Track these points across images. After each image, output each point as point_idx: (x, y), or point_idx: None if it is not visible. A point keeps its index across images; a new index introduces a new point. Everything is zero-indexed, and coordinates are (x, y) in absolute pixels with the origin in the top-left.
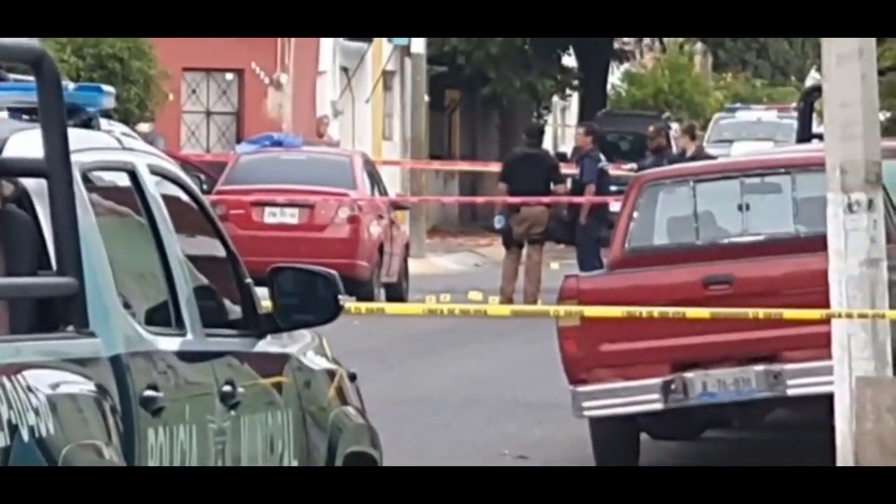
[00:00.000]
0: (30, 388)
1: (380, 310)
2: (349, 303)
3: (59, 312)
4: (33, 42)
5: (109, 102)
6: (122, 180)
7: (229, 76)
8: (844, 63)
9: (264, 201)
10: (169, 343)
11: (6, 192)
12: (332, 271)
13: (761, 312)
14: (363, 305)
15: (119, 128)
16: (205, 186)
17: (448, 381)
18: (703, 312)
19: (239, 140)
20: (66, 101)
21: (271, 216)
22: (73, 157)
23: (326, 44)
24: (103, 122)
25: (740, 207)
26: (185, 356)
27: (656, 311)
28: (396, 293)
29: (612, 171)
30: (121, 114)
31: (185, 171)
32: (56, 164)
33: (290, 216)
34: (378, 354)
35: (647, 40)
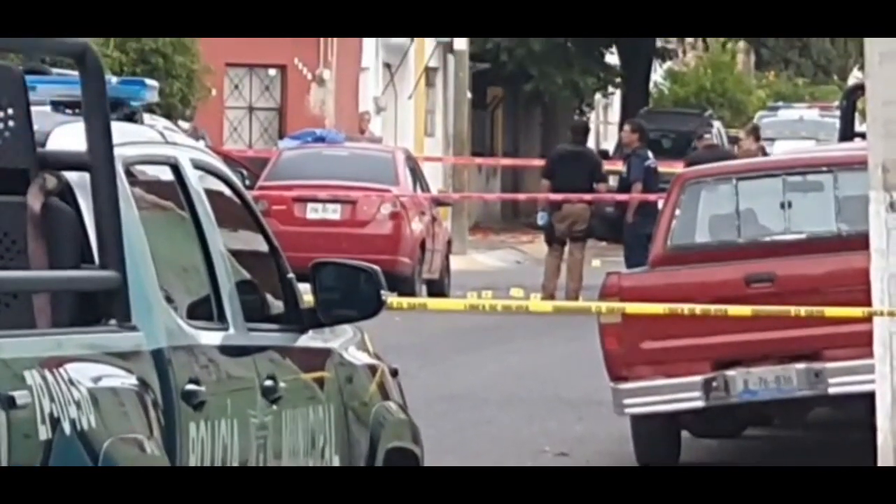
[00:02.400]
0: (72, 382)
1: (422, 305)
2: (391, 298)
3: (101, 306)
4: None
5: (153, 96)
6: (165, 174)
7: (272, 72)
8: (887, 61)
9: (306, 197)
10: (211, 337)
11: (49, 185)
12: (375, 266)
13: (803, 310)
14: (405, 301)
15: (161, 122)
16: (247, 182)
17: (489, 378)
18: (744, 310)
19: (281, 136)
20: (109, 95)
21: (313, 212)
22: (116, 151)
23: (369, 40)
24: (146, 117)
25: (782, 205)
26: (227, 350)
27: (698, 308)
28: (438, 289)
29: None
30: (164, 109)
31: (231, 167)
32: (99, 158)
33: (333, 212)
34: (420, 350)
35: (689, 39)
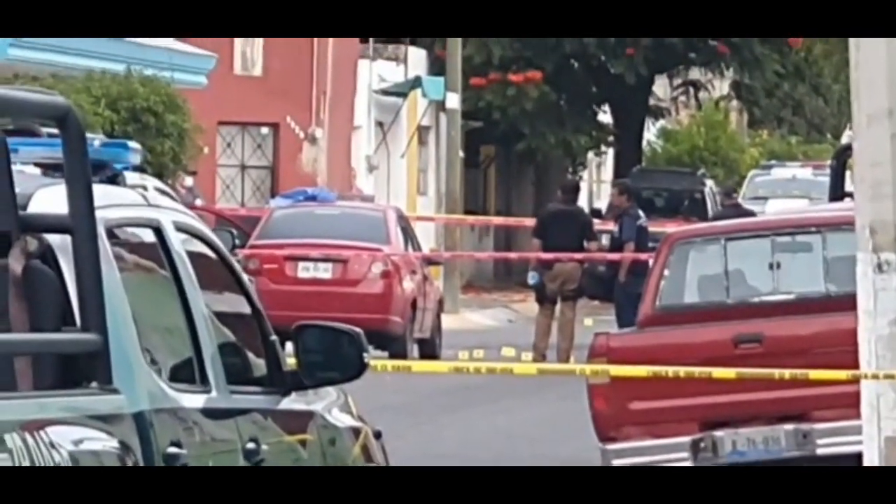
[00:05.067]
0: (52, 445)
1: (406, 367)
2: (374, 360)
3: (82, 368)
4: (58, 98)
5: (135, 159)
6: (148, 236)
7: (264, 130)
8: (874, 123)
9: (298, 256)
10: (193, 400)
11: (31, 247)
12: (358, 329)
13: (787, 373)
14: (389, 363)
15: (152, 182)
16: (237, 241)
17: (478, 438)
18: (728, 372)
19: (273, 194)
20: (92, 157)
21: (305, 271)
22: (98, 214)
23: (362, 98)
24: (136, 176)
25: (771, 266)
26: (210, 413)
27: (682, 370)
28: (429, 349)
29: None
30: (155, 167)
31: (219, 225)
32: (80, 220)
33: (324, 271)
34: (409, 410)
35: (682, 97)
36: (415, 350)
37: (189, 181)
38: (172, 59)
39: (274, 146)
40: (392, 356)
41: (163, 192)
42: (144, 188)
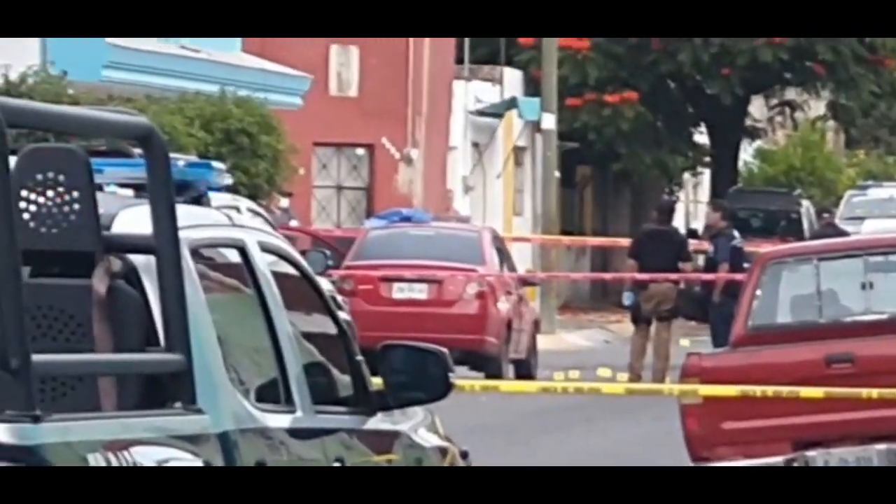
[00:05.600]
0: (135, 465)
1: (494, 388)
2: (462, 380)
3: (166, 389)
4: (141, 119)
5: (220, 179)
6: (232, 257)
7: (360, 151)
8: None
9: (392, 276)
10: (278, 420)
11: (114, 268)
12: (444, 349)
13: (875, 392)
14: (477, 383)
15: (245, 203)
16: (330, 262)
17: (573, 458)
18: (817, 392)
19: (369, 215)
20: (177, 178)
21: (399, 291)
22: (182, 234)
23: (457, 119)
24: (228, 197)
25: (863, 286)
26: (295, 433)
27: (770, 390)
28: (525, 369)
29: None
30: (250, 189)
31: (314, 246)
32: (164, 241)
33: (419, 292)
34: (504, 431)
35: (778, 118)
36: (510, 371)
37: (284, 202)
38: (267, 81)
39: (370, 167)
40: (487, 377)
41: (256, 213)
42: (237, 209)
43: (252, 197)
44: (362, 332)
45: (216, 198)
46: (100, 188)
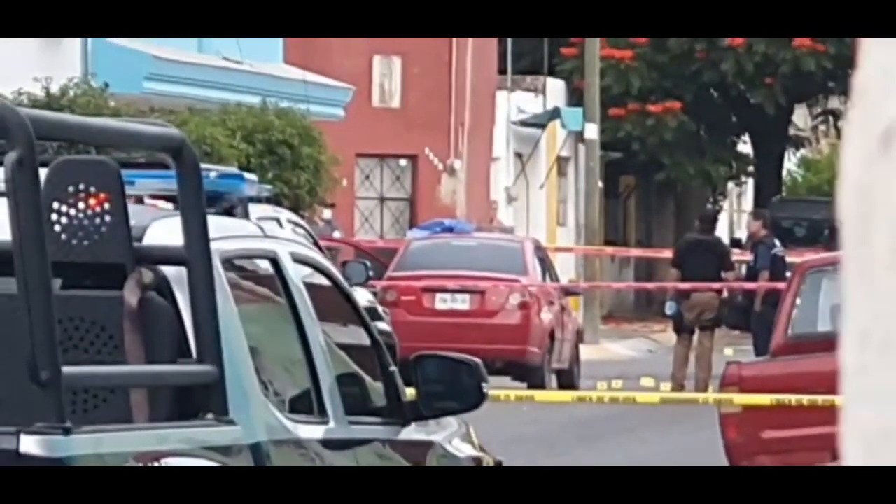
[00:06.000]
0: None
1: (529, 398)
2: (498, 390)
3: (198, 400)
4: (172, 130)
5: (251, 190)
6: (264, 268)
7: (403, 162)
8: None
9: (435, 287)
10: (311, 431)
11: (146, 279)
12: (477, 359)
13: None
14: (512, 393)
15: (285, 214)
16: (371, 273)
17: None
18: None
19: (412, 226)
20: (209, 189)
21: (442, 302)
22: (214, 245)
23: (500, 130)
24: (268, 208)
25: None
26: (328, 444)
27: (805, 399)
28: (568, 379)
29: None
30: (291, 200)
31: (357, 257)
32: (196, 252)
33: (461, 302)
34: (545, 441)
35: (822, 126)
36: (553, 381)
37: (328, 213)
38: (309, 92)
39: (412, 178)
40: (530, 387)
41: (296, 225)
42: (277, 220)
43: (294, 208)
44: (404, 342)
45: (256, 209)
46: (140, 200)
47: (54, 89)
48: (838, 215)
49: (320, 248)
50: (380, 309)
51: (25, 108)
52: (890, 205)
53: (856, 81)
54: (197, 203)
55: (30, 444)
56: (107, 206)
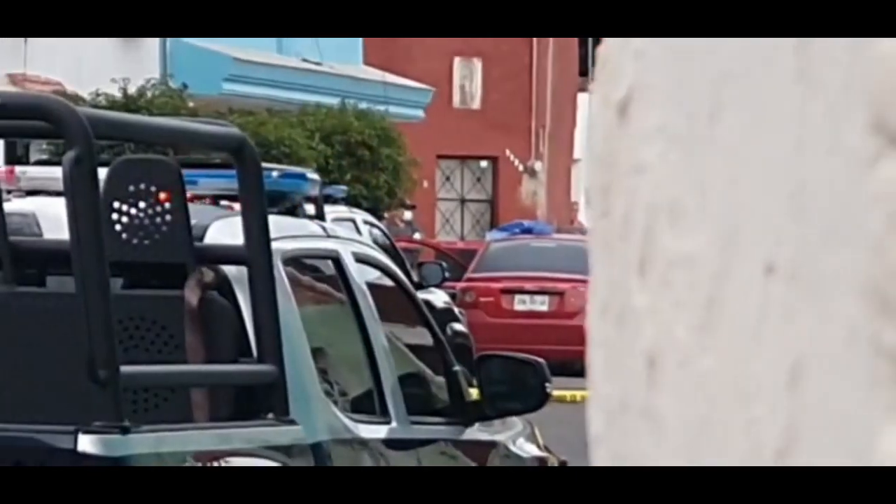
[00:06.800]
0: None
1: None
2: (563, 391)
3: (259, 400)
4: (233, 130)
5: (314, 189)
6: (326, 268)
7: (484, 164)
8: None
9: (514, 288)
10: (372, 430)
11: (207, 279)
12: (540, 359)
13: None
14: (578, 393)
15: (361, 215)
16: (447, 274)
17: None
18: None
19: (492, 227)
20: (271, 189)
21: (521, 303)
22: (276, 245)
23: (581, 131)
24: (344, 209)
25: None
26: (389, 444)
27: None
28: None
29: None
30: (370, 201)
31: (436, 259)
32: (256, 252)
33: (540, 304)
34: None
35: None
36: None
37: (408, 215)
38: (388, 93)
39: (493, 179)
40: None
41: (372, 225)
42: (353, 221)
43: (373, 210)
44: (483, 344)
45: (331, 210)
46: (216, 202)
47: (132, 90)
48: (585, 188)
49: (396, 249)
50: (456, 310)
51: (102, 108)
52: (625, 174)
53: (598, 52)
54: (258, 202)
55: (88, 444)
56: (168, 205)
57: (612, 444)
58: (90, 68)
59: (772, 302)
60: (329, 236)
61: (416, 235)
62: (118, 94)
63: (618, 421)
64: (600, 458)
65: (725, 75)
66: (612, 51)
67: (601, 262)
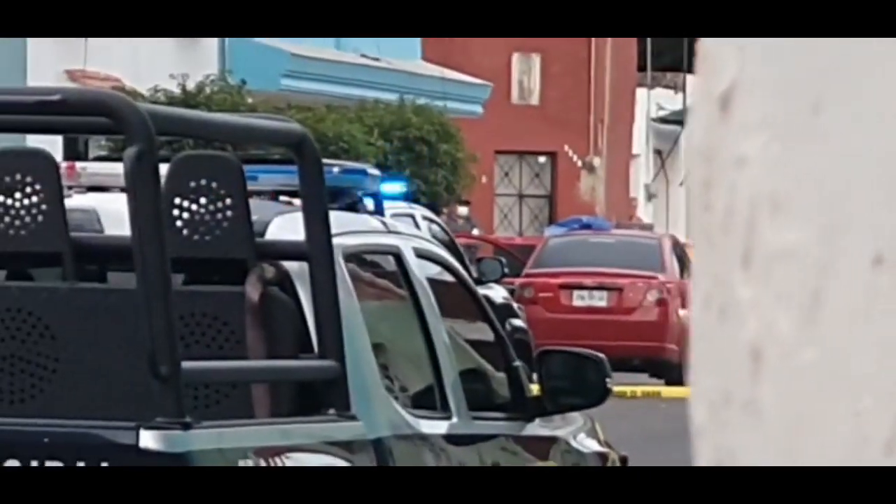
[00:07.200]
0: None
1: (655, 393)
2: (623, 386)
3: (320, 395)
4: (294, 125)
5: (374, 185)
6: (387, 263)
7: (542, 159)
8: None
9: (572, 284)
10: (434, 426)
11: (268, 275)
12: (601, 354)
13: None
14: (639, 389)
15: (420, 210)
16: (506, 270)
17: None
18: None
19: (551, 222)
20: (332, 184)
21: (580, 299)
22: (336, 240)
23: (640, 127)
24: (403, 205)
25: None
26: (451, 439)
27: None
28: None
29: None
30: (429, 196)
31: (495, 254)
32: (317, 248)
33: (599, 299)
34: (684, 438)
35: None
36: None
37: (464, 210)
38: (447, 89)
39: (552, 175)
40: (668, 384)
41: (431, 221)
42: (412, 217)
43: (431, 205)
44: (542, 339)
45: (391, 206)
46: (275, 198)
47: (190, 86)
48: (686, 182)
49: (455, 245)
50: (515, 306)
51: (161, 105)
52: (726, 167)
53: (698, 47)
54: (319, 198)
55: (149, 439)
56: (228, 201)
57: (715, 437)
58: (148, 64)
59: (879, 293)
60: (390, 232)
61: (475, 231)
62: (177, 91)
63: (720, 413)
64: (702, 450)
65: (829, 68)
66: (714, 44)
67: (703, 255)
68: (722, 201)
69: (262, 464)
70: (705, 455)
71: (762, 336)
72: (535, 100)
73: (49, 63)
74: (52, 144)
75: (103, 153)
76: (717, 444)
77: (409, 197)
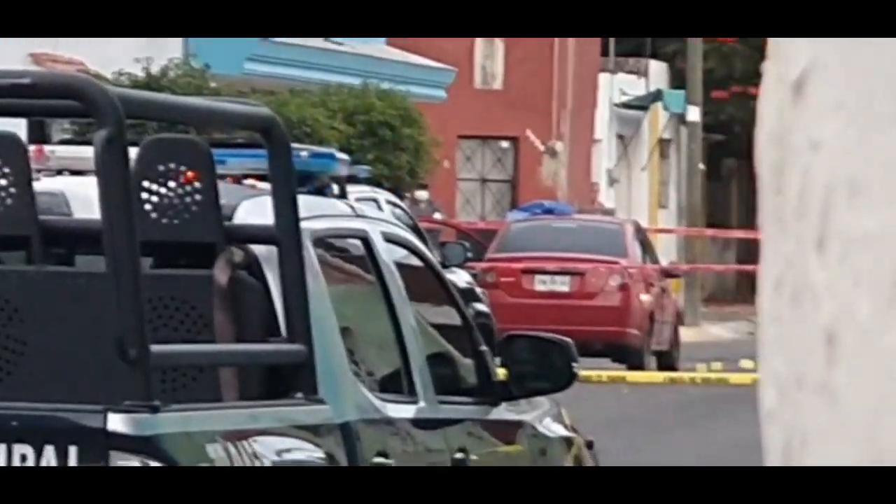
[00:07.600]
0: (256, 455)
1: (620, 378)
2: (588, 371)
3: (287, 379)
4: (262, 109)
5: (343, 169)
6: (355, 247)
7: (504, 144)
8: None
9: (535, 269)
10: (400, 410)
11: (236, 258)
12: (567, 339)
13: None
14: (604, 374)
15: (384, 195)
16: (469, 254)
17: (717, 451)
18: None
19: (513, 207)
20: (300, 169)
21: (541, 284)
22: (305, 224)
23: (603, 112)
24: (367, 189)
25: None
26: (417, 423)
27: None
28: (668, 361)
29: None
30: (392, 181)
31: (458, 239)
32: (286, 231)
33: (561, 284)
34: (648, 423)
35: None
36: (653, 362)
37: (423, 194)
38: (410, 73)
39: (514, 160)
40: (630, 369)
41: (395, 205)
42: (375, 201)
43: (394, 190)
44: (504, 324)
45: (354, 190)
46: (239, 181)
47: (155, 70)
48: (756, 166)
49: (419, 229)
50: (478, 290)
51: (125, 88)
52: (800, 151)
53: None
54: (287, 182)
55: (117, 423)
56: (197, 184)
57: (786, 420)
58: (113, 48)
59: None
60: (358, 216)
61: (437, 215)
62: (141, 74)
63: (792, 396)
64: (772, 433)
65: None
66: None
67: (774, 238)
68: (795, 185)
69: (231, 447)
70: (775, 437)
71: (838, 320)
72: (498, 84)
73: (14, 46)
74: (16, 128)
75: (67, 136)
76: (788, 427)
77: (372, 181)
